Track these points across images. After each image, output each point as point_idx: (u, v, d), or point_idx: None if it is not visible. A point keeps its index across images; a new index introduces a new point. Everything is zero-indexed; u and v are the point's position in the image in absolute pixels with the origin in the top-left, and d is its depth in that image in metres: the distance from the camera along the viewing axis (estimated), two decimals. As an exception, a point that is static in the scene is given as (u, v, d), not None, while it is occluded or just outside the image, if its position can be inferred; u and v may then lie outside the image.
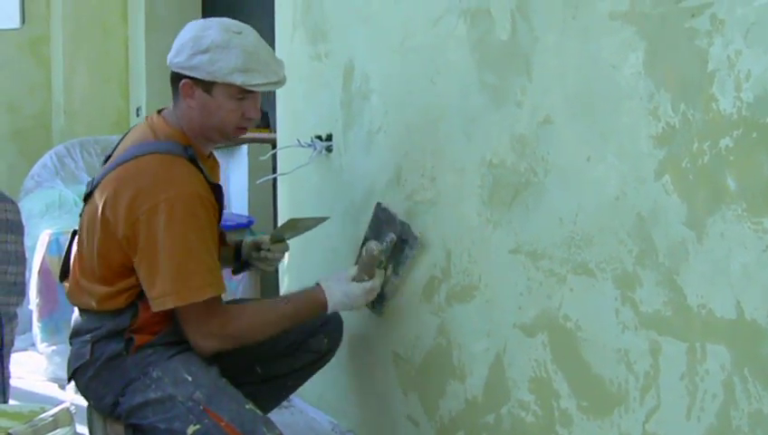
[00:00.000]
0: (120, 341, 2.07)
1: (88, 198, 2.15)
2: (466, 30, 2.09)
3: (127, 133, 2.24)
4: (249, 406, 2.03)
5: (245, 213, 4.02)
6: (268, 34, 3.10)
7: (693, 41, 1.51)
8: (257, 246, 2.47)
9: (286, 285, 3.11)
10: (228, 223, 3.51)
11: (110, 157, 2.20)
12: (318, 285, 2.20)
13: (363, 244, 2.34)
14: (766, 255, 1.39)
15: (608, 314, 1.72)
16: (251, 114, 2.13)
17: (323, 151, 2.78)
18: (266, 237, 2.50)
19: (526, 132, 1.91)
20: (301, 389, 2.92)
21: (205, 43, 2.04)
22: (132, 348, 2.07)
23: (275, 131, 3.29)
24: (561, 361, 1.86)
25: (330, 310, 2.19)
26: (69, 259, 2.24)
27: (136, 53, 5.27)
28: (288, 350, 2.41)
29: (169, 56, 2.11)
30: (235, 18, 2.20)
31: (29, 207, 4.08)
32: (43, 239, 3.57)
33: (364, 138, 2.58)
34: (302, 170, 2.83)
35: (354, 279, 2.21)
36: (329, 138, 2.78)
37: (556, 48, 1.82)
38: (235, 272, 2.56)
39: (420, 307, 2.35)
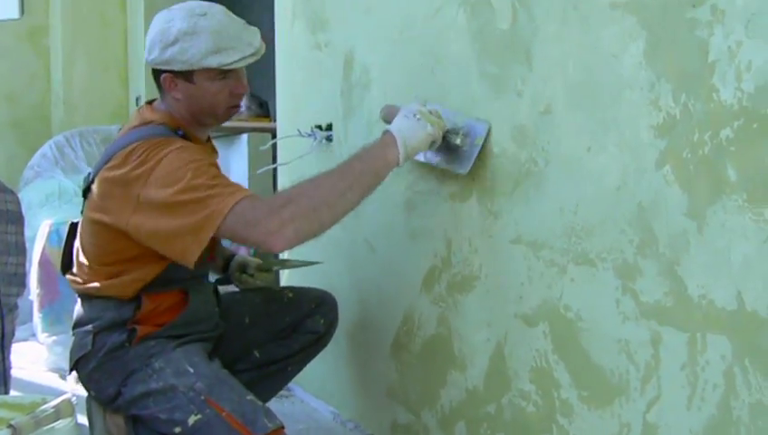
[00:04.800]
0: (122, 332, 2.07)
1: (86, 192, 2.13)
2: (467, 20, 2.09)
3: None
4: (250, 397, 2.02)
5: (245, 203, 4.01)
6: (268, 24, 3.09)
7: (694, 31, 1.50)
8: (243, 268, 2.48)
9: (286, 275, 3.11)
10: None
11: None
12: (387, 133, 2.03)
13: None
14: (767, 245, 1.39)
15: (608, 304, 1.72)
16: (238, 90, 2.11)
17: (323, 141, 2.77)
18: (255, 262, 2.50)
19: (527, 122, 1.91)
20: (301, 379, 2.93)
21: (171, 34, 2.02)
22: (135, 339, 2.07)
23: (275, 121, 3.29)
24: (562, 351, 1.86)
25: (401, 157, 2.01)
26: (69, 251, 2.24)
27: (135, 43, 5.25)
28: (285, 332, 2.41)
29: (145, 54, 2.10)
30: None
31: (29, 197, 4.08)
32: (42, 230, 3.56)
33: (364, 127, 2.57)
34: (302, 160, 2.82)
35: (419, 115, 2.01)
36: (329, 127, 2.77)
37: (557, 37, 1.82)
38: (219, 283, 2.49)
39: (421, 297, 2.35)
